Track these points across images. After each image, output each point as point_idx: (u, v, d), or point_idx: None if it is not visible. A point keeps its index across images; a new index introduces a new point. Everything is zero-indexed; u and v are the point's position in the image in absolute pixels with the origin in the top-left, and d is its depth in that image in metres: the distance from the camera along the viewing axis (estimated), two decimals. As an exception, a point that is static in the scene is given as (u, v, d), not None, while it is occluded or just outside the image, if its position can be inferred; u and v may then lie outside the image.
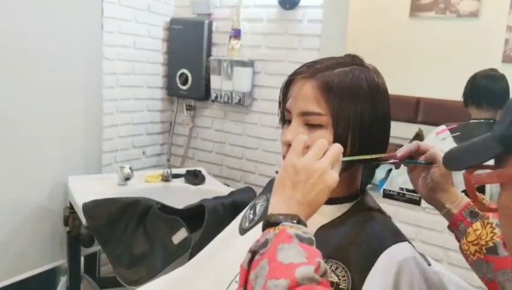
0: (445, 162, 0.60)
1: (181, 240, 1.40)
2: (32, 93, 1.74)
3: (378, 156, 0.75)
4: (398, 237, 0.75)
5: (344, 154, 0.73)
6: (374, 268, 0.69)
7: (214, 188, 1.90)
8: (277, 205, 0.63)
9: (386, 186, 1.87)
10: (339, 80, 0.74)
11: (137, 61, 2.15)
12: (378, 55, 3.81)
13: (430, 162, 0.79)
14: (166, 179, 1.95)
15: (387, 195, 1.74)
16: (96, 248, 1.81)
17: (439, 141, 1.99)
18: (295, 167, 0.63)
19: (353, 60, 0.79)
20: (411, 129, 3.15)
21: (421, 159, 0.80)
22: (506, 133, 0.47)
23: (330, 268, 0.72)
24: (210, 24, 2.17)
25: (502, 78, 1.96)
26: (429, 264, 0.78)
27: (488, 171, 0.51)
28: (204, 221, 1.46)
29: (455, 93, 2.14)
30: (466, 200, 0.77)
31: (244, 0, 2.05)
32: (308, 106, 0.74)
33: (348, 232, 0.75)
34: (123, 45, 2.06)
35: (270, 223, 0.60)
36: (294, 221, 0.59)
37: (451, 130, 1.98)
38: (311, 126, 0.75)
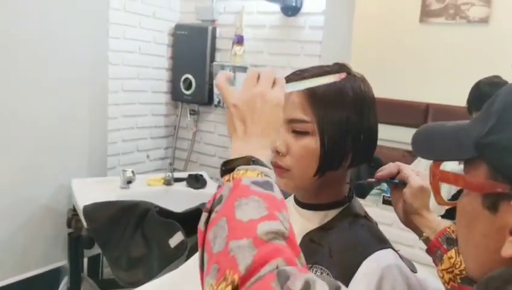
0: (414, 146, 0.56)
1: (177, 243, 1.42)
2: (38, 97, 1.78)
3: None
4: (382, 243, 0.75)
5: (330, 161, 0.74)
6: (357, 274, 0.70)
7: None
8: (234, 148, 0.58)
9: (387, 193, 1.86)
10: (325, 88, 0.74)
11: (142, 67, 2.19)
12: (388, 60, 3.81)
13: (402, 182, 0.78)
14: (168, 182, 1.97)
15: (387, 201, 1.73)
16: (99, 249, 1.83)
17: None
18: (235, 105, 0.59)
19: (340, 69, 0.79)
20: (420, 135, 3.13)
21: (396, 179, 0.80)
22: (483, 141, 0.44)
23: (315, 274, 0.73)
24: (214, 30, 2.19)
25: (506, 85, 1.94)
26: (415, 272, 0.78)
27: (456, 168, 0.50)
28: (202, 225, 1.47)
29: (464, 100, 2.13)
30: (443, 225, 0.75)
31: (247, 6, 2.07)
32: (295, 113, 0.75)
33: (333, 238, 0.76)
34: (128, 51, 2.10)
35: (225, 170, 0.55)
36: (250, 162, 0.54)
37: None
38: (298, 133, 0.75)
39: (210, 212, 0.52)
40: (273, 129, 0.59)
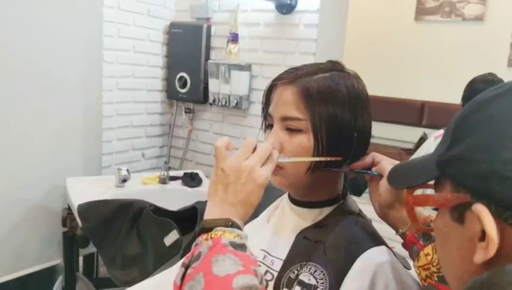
0: (389, 178, 0.62)
1: (172, 241, 1.42)
2: (32, 96, 1.77)
3: (318, 159, 0.73)
4: (376, 240, 0.75)
5: (325, 161, 0.74)
6: (351, 271, 0.70)
7: (210, 191, 1.91)
8: (211, 210, 0.62)
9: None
10: (319, 85, 0.74)
11: (137, 65, 2.18)
12: (383, 58, 3.82)
13: (378, 174, 0.78)
14: (163, 181, 1.97)
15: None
16: (94, 248, 1.83)
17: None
18: (223, 170, 0.63)
19: (334, 66, 0.80)
20: (416, 133, 3.14)
21: (373, 170, 0.79)
22: (442, 159, 0.48)
23: (309, 271, 0.73)
24: (209, 28, 2.19)
25: (500, 82, 1.95)
26: (409, 268, 0.78)
27: (428, 191, 0.52)
28: (197, 224, 1.47)
29: (459, 97, 2.13)
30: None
31: (242, 4, 2.07)
32: (288, 111, 0.75)
33: (327, 236, 0.76)
34: (123, 49, 2.09)
35: (203, 229, 0.60)
36: (229, 224, 0.59)
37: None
38: (292, 131, 0.76)
39: (187, 267, 0.56)
40: (250, 205, 0.63)
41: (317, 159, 0.72)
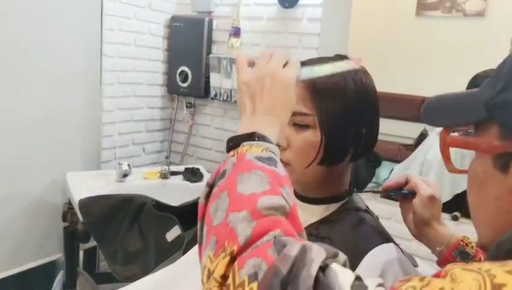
0: (424, 114, 0.55)
1: (174, 237, 1.41)
2: (31, 89, 1.75)
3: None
4: (383, 238, 0.74)
5: (331, 154, 0.73)
6: (358, 268, 0.69)
7: (211, 186, 1.90)
8: (243, 125, 0.58)
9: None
10: (326, 80, 0.73)
11: (138, 59, 2.16)
12: (384, 53, 3.81)
13: (411, 193, 0.77)
14: (164, 176, 1.96)
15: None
16: (94, 243, 1.82)
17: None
18: (246, 82, 0.59)
19: (341, 61, 0.78)
20: (416, 128, 3.13)
21: (405, 188, 0.79)
22: (493, 101, 0.44)
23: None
24: (210, 22, 2.17)
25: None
26: (416, 266, 0.77)
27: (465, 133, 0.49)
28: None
29: (460, 93, 2.11)
30: (455, 239, 0.74)
31: (244, -2, 2.05)
32: (295, 106, 0.74)
33: (334, 232, 0.75)
34: (123, 42, 2.07)
35: (230, 146, 0.56)
36: (255, 138, 0.54)
37: (452, 130, 1.96)
38: (299, 126, 0.75)
39: (212, 186, 0.52)
40: (281, 108, 0.58)
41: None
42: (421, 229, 0.76)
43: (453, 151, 0.52)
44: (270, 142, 0.55)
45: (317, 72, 0.69)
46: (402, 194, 0.79)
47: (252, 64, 0.62)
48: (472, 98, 0.48)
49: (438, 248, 0.74)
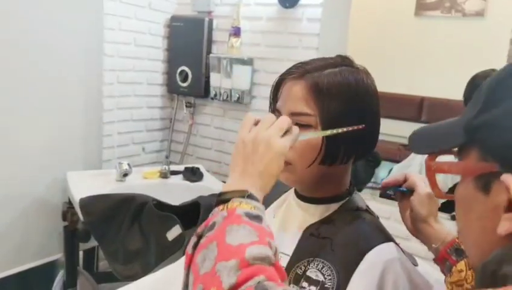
0: (410, 144, 0.58)
1: (175, 236, 1.41)
2: (31, 89, 1.75)
3: (340, 130, 0.70)
4: (384, 237, 0.75)
5: (332, 154, 0.74)
6: (359, 268, 0.70)
7: (211, 186, 1.91)
8: (230, 182, 0.61)
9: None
10: (328, 80, 0.74)
11: (138, 58, 2.16)
12: (383, 54, 3.81)
13: (409, 190, 0.78)
14: (164, 175, 1.96)
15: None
16: (94, 242, 1.83)
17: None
18: (243, 141, 0.62)
19: (343, 61, 0.79)
20: (415, 128, 3.14)
21: (403, 186, 0.79)
22: (471, 124, 0.45)
23: (316, 267, 0.73)
24: (210, 22, 2.17)
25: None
26: (416, 265, 0.78)
27: (450, 158, 0.50)
28: (199, 218, 1.46)
29: (459, 93, 2.13)
30: (451, 236, 0.75)
31: (244, -2, 2.05)
32: (297, 106, 0.74)
33: (335, 232, 0.76)
34: (123, 42, 2.08)
35: (220, 200, 0.58)
36: (245, 195, 0.57)
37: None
38: (301, 126, 0.74)
39: (200, 237, 0.54)
40: (269, 175, 0.61)
41: (339, 130, 0.70)
42: (417, 226, 0.77)
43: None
44: (258, 201, 0.58)
45: (317, 134, 0.72)
46: (400, 191, 0.80)
47: (256, 122, 0.65)
48: (453, 124, 0.50)
49: (434, 245, 0.75)
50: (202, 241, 0.53)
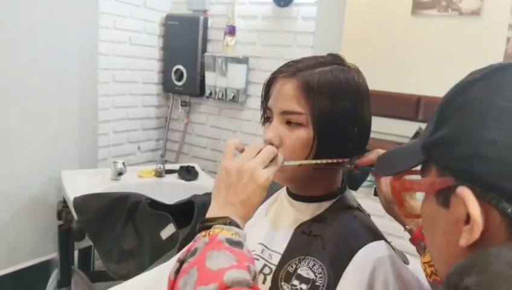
0: (376, 167, 0.61)
1: (169, 235, 1.41)
2: (27, 88, 1.75)
3: (325, 161, 0.73)
4: (375, 235, 0.75)
5: (324, 153, 0.74)
6: (349, 266, 0.70)
7: (206, 184, 1.91)
8: (213, 209, 0.64)
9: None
10: (319, 79, 0.73)
11: (133, 57, 2.16)
12: (379, 52, 3.80)
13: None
14: (159, 174, 1.96)
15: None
16: (90, 241, 1.82)
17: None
18: (227, 170, 0.65)
19: (334, 60, 0.79)
20: (411, 127, 3.13)
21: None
22: (427, 142, 0.48)
23: (307, 265, 0.73)
24: (205, 20, 2.17)
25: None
26: (407, 263, 0.78)
27: (415, 177, 0.52)
28: (194, 217, 1.46)
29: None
30: None
31: (239, -3, 2.05)
32: (289, 105, 0.74)
33: (326, 230, 0.76)
34: (118, 41, 2.07)
35: (203, 227, 0.61)
36: (227, 222, 0.60)
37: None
38: (292, 125, 0.75)
39: (182, 262, 0.57)
40: (250, 205, 0.64)
41: (324, 161, 0.72)
42: (390, 206, 0.78)
43: None
44: (240, 228, 0.61)
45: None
46: (370, 170, 0.78)
47: (240, 150, 0.68)
48: (414, 145, 0.52)
49: (407, 226, 0.76)
50: (184, 266, 0.55)
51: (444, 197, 0.45)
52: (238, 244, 0.57)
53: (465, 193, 0.41)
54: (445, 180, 0.44)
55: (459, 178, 0.43)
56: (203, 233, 0.59)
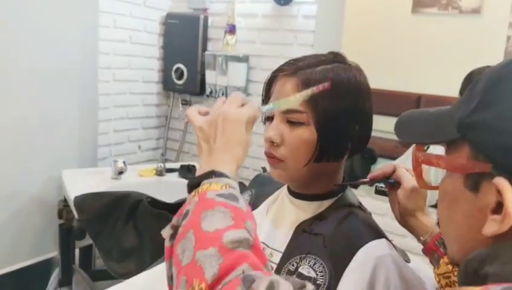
0: (396, 130, 0.57)
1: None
2: (27, 87, 1.75)
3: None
4: (376, 233, 0.75)
5: (326, 151, 0.73)
6: (351, 264, 0.70)
7: (207, 183, 1.90)
8: (201, 166, 0.60)
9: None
10: (320, 77, 0.73)
11: (133, 56, 2.16)
12: (379, 50, 3.79)
13: (396, 182, 0.78)
14: (160, 173, 1.96)
15: (380, 191, 1.74)
16: (90, 240, 1.82)
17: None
18: (200, 127, 0.61)
19: (335, 58, 0.79)
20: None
21: (391, 179, 0.79)
22: (465, 121, 0.45)
23: (308, 263, 0.73)
24: (206, 19, 2.17)
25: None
26: (408, 261, 0.78)
27: (437, 151, 0.50)
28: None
29: (456, 90, 2.12)
30: (438, 229, 0.74)
31: (239, -5, 2.05)
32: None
33: (327, 228, 0.76)
34: (119, 40, 2.07)
35: (190, 186, 0.58)
36: (212, 175, 0.56)
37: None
38: (293, 123, 0.75)
39: (177, 228, 0.53)
40: (235, 144, 0.59)
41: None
42: (405, 218, 0.78)
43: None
44: (228, 178, 0.57)
45: (278, 105, 0.70)
46: (387, 183, 0.79)
47: (204, 113, 0.64)
48: (444, 116, 0.49)
49: (421, 238, 0.76)
50: (180, 231, 0.52)
51: (475, 181, 0.44)
52: (231, 197, 0.54)
53: (504, 184, 0.40)
54: (480, 165, 0.42)
55: (497, 167, 0.41)
56: (193, 193, 0.55)
